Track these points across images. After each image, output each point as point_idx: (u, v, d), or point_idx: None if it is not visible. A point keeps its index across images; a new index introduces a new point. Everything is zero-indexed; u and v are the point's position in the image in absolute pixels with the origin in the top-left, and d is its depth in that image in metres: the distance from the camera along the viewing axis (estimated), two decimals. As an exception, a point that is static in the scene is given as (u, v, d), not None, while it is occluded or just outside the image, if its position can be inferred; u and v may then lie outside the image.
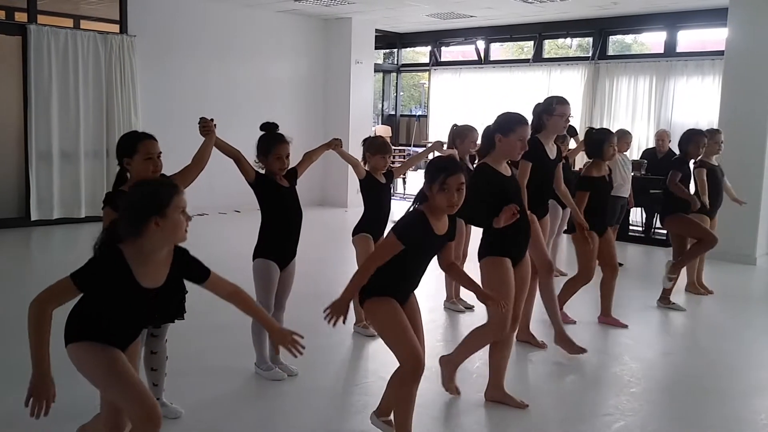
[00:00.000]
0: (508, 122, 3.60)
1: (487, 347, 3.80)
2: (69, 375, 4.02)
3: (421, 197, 2.96)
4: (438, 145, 5.27)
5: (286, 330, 2.62)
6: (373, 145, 4.75)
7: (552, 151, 4.55)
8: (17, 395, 3.42)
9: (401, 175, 4.21)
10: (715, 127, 7.71)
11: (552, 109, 4.45)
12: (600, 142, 5.04)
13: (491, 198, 3.54)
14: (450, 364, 3.86)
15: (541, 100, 4.62)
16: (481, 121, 4.55)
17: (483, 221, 3.59)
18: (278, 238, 3.92)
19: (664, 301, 5.88)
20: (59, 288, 2.28)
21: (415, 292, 3.13)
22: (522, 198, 3.77)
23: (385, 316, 2.92)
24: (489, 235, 3.59)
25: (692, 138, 5.72)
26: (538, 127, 4.48)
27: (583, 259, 5.11)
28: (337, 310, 2.84)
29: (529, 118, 4.04)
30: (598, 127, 5.36)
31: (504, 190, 3.60)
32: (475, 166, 3.74)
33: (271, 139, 3.85)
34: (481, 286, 3.34)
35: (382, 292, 2.93)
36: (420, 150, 6.72)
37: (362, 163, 4.77)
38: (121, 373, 2.35)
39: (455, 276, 3.30)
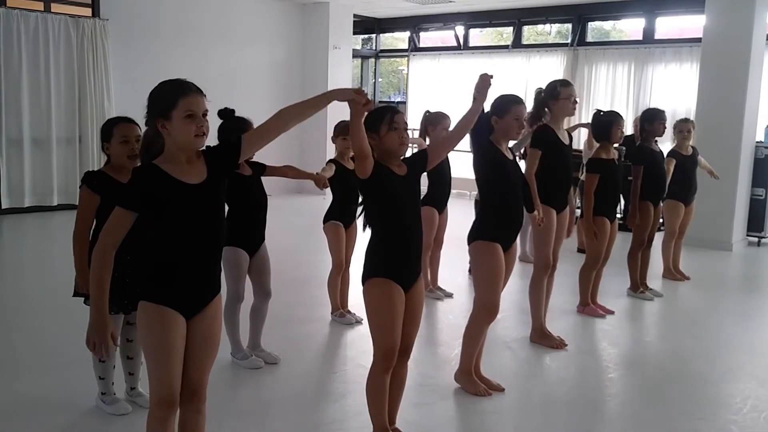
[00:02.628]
0: (503, 103, 3.61)
1: (452, 331, 3.78)
2: (66, 368, 3.95)
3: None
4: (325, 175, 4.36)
5: (343, 90, 2.53)
6: (336, 128, 4.71)
7: (565, 138, 4.53)
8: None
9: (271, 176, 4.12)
10: (693, 113, 7.77)
11: (557, 93, 4.41)
12: (608, 124, 5.02)
13: (494, 173, 3.54)
14: (463, 374, 3.78)
15: (528, 88, 4.59)
16: (460, 108, 4.49)
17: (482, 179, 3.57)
18: (244, 226, 3.88)
19: (634, 288, 5.89)
20: (112, 221, 2.25)
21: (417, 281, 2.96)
22: (521, 185, 3.74)
23: (380, 301, 2.83)
24: (481, 219, 3.56)
25: (657, 116, 5.68)
26: (539, 116, 4.45)
27: (592, 244, 5.13)
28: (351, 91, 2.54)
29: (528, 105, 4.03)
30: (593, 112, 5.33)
31: (506, 171, 3.59)
32: None
33: (241, 122, 3.78)
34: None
35: (382, 273, 2.84)
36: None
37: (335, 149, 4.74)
38: (166, 353, 2.30)
39: None
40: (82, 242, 3.13)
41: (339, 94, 2.50)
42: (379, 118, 2.83)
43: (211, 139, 3.37)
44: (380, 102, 14.36)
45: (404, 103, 13.69)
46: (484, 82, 3.12)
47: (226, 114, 3.75)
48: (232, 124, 3.76)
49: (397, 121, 2.83)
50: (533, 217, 4.12)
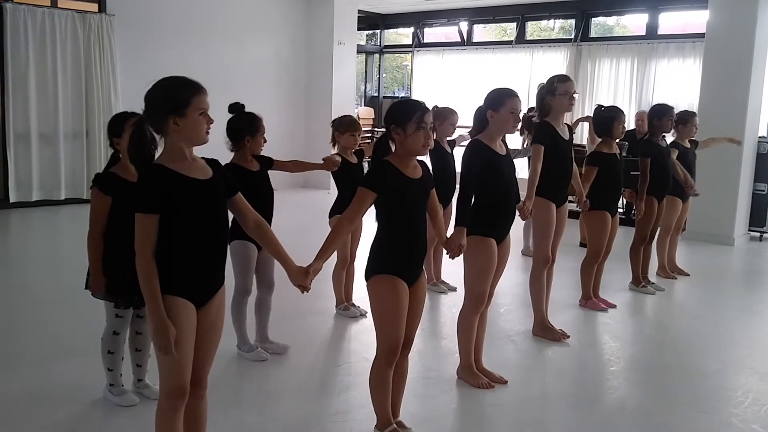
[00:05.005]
0: (498, 96, 3.58)
1: (455, 324, 3.82)
2: (73, 360, 3.98)
3: (381, 152, 2.88)
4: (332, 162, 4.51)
5: (301, 271, 2.65)
6: (342, 123, 4.74)
7: (565, 133, 4.52)
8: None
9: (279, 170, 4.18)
10: (696, 108, 7.77)
11: (554, 88, 4.39)
12: (609, 120, 5.04)
13: (485, 173, 3.53)
14: (464, 369, 3.82)
15: (544, 82, 4.54)
16: (464, 103, 4.50)
17: (470, 198, 3.53)
18: None
19: (636, 283, 5.93)
20: (140, 230, 2.28)
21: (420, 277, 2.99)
22: (516, 179, 3.75)
23: (386, 297, 2.85)
24: (475, 215, 3.58)
25: (666, 112, 5.68)
26: (544, 111, 4.45)
27: (593, 238, 5.16)
28: (300, 279, 2.66)
29: (525, 102, 4.03)
30: (594, 107, 5.34)
31: (498, 168, 3.59)
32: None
33: (253, 117, 3.82)
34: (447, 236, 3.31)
35: (388, 269, 2.85)
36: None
37: (332, 145, 4.78)
38: (179, 344, 2.33)
39: (436, 226, 3.14)
40: (96, 244, 3.15)
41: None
42: (409, 114, 2.78)
43: (216, 134, 3.44)
44: (384, 98, 14.39)
45: (408, 98, 13.72)
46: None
47: (236, 109, 3.80)
48: (243, 118, 3.81)
49: (426, 121, 2.78)
50: (518, 207, 4.12)
